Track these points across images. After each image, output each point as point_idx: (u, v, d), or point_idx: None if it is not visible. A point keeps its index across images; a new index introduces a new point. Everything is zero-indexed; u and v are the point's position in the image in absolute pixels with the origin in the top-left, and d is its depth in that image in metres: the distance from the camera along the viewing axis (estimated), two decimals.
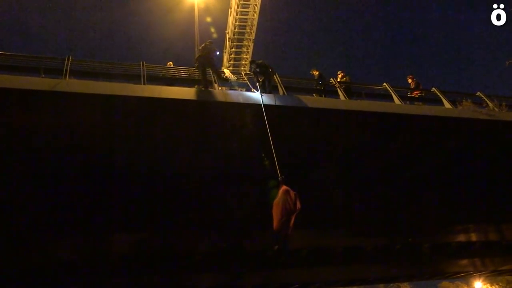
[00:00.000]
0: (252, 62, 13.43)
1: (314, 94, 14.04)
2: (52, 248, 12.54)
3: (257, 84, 11.96)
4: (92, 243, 12.83)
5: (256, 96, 11.32)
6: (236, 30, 23.59)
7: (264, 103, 10.68)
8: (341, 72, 14.62)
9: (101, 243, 12.88)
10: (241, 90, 13.08)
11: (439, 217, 14.84)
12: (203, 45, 12.91)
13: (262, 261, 14.55)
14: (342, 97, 13.09)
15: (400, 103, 13.26)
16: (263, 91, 11.66)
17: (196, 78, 12.36)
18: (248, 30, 23.72)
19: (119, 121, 10.74)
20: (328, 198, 13.13)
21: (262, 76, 12.20)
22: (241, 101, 11.41)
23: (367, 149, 12.72)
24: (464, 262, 19.27)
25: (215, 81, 12.11)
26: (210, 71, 12.14)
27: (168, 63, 13.34)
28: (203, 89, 11.59)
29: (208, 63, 12.01)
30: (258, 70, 12.36)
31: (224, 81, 12.48)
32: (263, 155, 10.56)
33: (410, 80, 15.52)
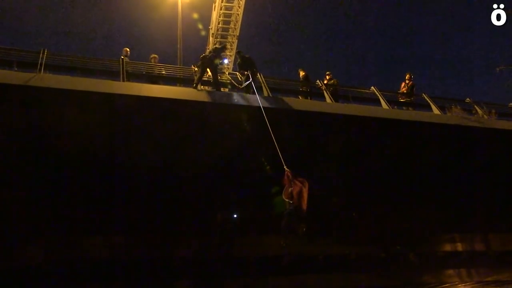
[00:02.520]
0: (238, 52, 13.45)
1: (299, 96, 14.20)
2: (19, 252, 12.34)
3: (241, 81, 12.13)
4: (63, 247, 12.57)
5: (247, 97, 11.52)
6: (220, 25, 23.57)
7: (251, 103, 10.89)
8: (329, 74, 14.75)
9: (73, 247, 12.62)
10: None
11: (425, 226, 15.07)
12: (215, 46, 12.96)
13: (243, 268, 14.46)
14: (328, 99, 13.26)
15: (387, 107, 13.50)
16: (247, 90, 11.79)
17: (179, 77, 12.64)
18: (232, 26, 23.71)
19: (95, 119, 10.76)
20: (311, 203, 13.22)
21: (246, 72, 12.23)
22: (229, 102, 11.58)
23: (353, 155, 12.92)
24: (450, 272, 19.47)
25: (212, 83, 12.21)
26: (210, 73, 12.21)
27: (152, 56, 13.30)
28: (194, 86, 11.72)
29: (210, 64, 12.07)
30: (242, 64, 12.47)
31: (219, 85, 12.40)
32: (263, 159, 11.06)
33: (407, 76, 15.52)
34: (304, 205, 8.14)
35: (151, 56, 13.31)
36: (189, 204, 12.24)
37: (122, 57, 12.65)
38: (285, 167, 8.36)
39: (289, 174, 8.21)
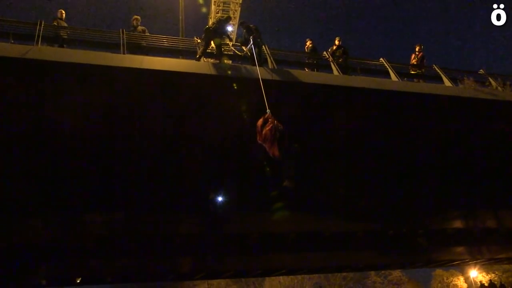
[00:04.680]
0: (242, 23, 13.27)
1: (305, 68, 14.18)
2: (22, 229, 12.74)
3: (246, 51, 12.12)
4: (64, 223, 13.04)
5: (251, 70, 11.48)
6: None
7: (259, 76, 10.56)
8: (340, 40, 14.61)
9: (74, 223, 13.09)
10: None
11: (435, 203, 15.24)
12: (218, 18, 12.87)
13: (244, 245, 15.01)
14: (335, 71, 13.24)
15: (397, 79, 13.48)
16: (253, 63, 11.70)
17: (180, 48, 12.57)
18: None
19: (95, 93, 10.85)
20: (318, 181, 13.49)
21: (249, 43, 12.21)
22: (234, 74, 11.50)
23: (361, 130, 13.01)
24: (460, 249, 19.90)
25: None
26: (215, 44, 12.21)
27: (134, 17, 13.22)
28: (197, 58, 11.73)
29: (214, 36, 12.08)
30: (247, 35, 12.39)
31: (222, 57, 12.44)
32: (265, 163, 11.11)
33: (417, 48, 15.39)
34: (275, 149, 7.96)
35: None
36: (188, 182, 12.45)
37: (134, 26, 12.78)
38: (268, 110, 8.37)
39: (269, 115, 8.20)
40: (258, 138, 8.20)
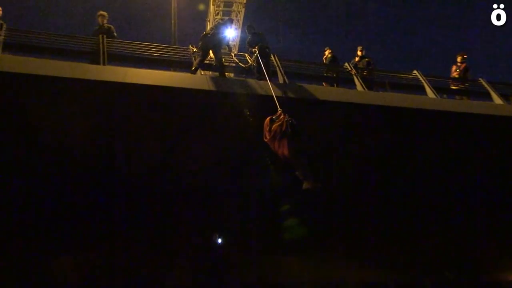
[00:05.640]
0: (249, 27, 12.69)
1: (323, 83, 13.62)
2: None
3: (250, 63, 11.73)
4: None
5: (258, 84, 11.08)
6: None
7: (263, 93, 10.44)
8: (362, 49, 14.12)
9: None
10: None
11: (486, 249, 14.06)
12: (217, 21, 12.20)
13: None
14: (359, 87, 12.62)
15: (434, 96, 12.80)
16: (259, 76, 11.14)
17: (173, 58, 12.01)
18: None
19: (70, 111, 10.09)
20: (337, 216, 12.69)
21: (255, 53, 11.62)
22: (236, 90, 10.95)
23: (391, 155, 12.22)
24: None
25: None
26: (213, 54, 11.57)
27: (100, 13, 12.33)
28: (192, 71, 11.19)
29: (213, 45, 11.38)
30: (252, 42, 11.87)
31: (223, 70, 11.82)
32: (268, 161, 10.45)
33: (459, 58, 14.64)
34: (284, 148, 7.74)
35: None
36: (176, 220, 11.75)
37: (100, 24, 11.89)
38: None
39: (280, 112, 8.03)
40: (264, 137, 8.02)
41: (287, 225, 12.26)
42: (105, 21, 12.23)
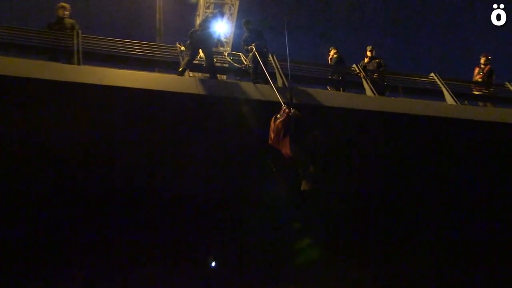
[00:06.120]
0: (246, 23, 12.23)
1: (328, 87, 13.25)
2: None
3: (246, 63, 11.32)
4: None
5: (254, 88, 10.75)
6: None
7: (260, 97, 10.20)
8: (372, 50, 13.58)
9: None
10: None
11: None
12: (206, 15, 11.52)
13: None
14: (369, 91, 12.15)
15: (454, 102, 12.31)
16: (255, 78, 10.78)
17: (158, 58, 11.51)
18: None
19: (40, 115, 9.52)
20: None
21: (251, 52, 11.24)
22: (230, 94, 10.57)
23: (405, 168, 11.71)
24: None
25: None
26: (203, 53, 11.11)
27: (60, 5, 11.34)
28: (179, 72, 10.70)
29: (203, 42, 10.91)
30: (249, 41, 11.41)
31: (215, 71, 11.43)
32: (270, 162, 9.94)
33: (483, 60, 14.10)
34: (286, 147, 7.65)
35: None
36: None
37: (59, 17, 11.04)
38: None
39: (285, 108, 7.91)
40: (270, 139, 7.87)
41: (300, 246, 11.85)
42: (67, 15, 11.33)
